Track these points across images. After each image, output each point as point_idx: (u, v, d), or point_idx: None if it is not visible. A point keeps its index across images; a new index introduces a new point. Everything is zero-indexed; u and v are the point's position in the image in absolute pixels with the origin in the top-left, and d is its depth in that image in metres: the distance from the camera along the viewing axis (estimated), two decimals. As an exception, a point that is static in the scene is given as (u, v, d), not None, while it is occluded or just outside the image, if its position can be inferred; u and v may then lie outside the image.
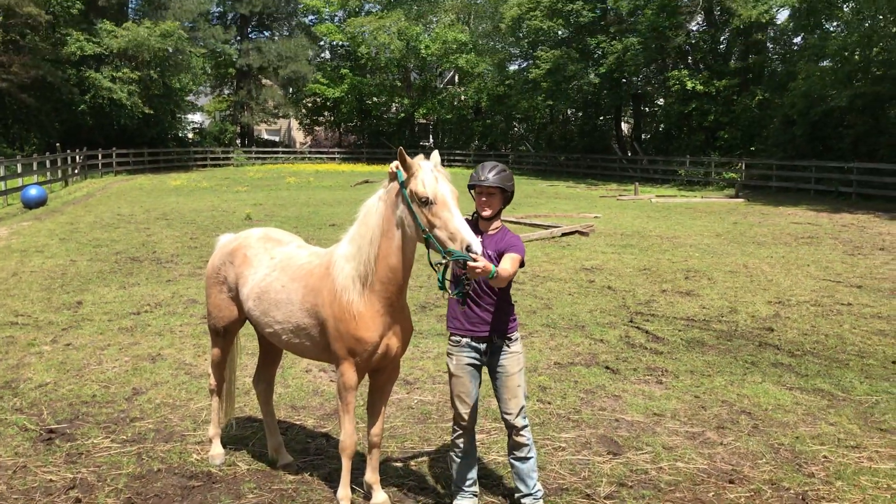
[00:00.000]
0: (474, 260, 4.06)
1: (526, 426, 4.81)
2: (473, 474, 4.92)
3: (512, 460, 4.88)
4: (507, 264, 4.50)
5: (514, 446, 4.84)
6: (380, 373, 4.88)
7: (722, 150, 38.18)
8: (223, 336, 5.61)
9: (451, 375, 4.85)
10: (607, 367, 8.02)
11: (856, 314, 10.43)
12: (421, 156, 4.42)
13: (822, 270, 13.75)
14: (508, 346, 4.77)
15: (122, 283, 12.42)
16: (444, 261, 4.26)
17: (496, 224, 4.77)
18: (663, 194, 32.28)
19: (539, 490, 4.87)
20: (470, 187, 4.75)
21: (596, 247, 16.49)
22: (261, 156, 58.55)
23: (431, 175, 4.26)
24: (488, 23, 56.51)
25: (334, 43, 63.55)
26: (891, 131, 28.08)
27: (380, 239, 4.45)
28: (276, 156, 59.27)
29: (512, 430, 4.80)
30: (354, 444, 4.81)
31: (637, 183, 34.61)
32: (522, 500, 4.86)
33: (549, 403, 6.94)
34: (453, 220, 4.13)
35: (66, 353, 8.42)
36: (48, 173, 31.60)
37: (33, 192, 24.85)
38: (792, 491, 5.23)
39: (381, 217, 4.47)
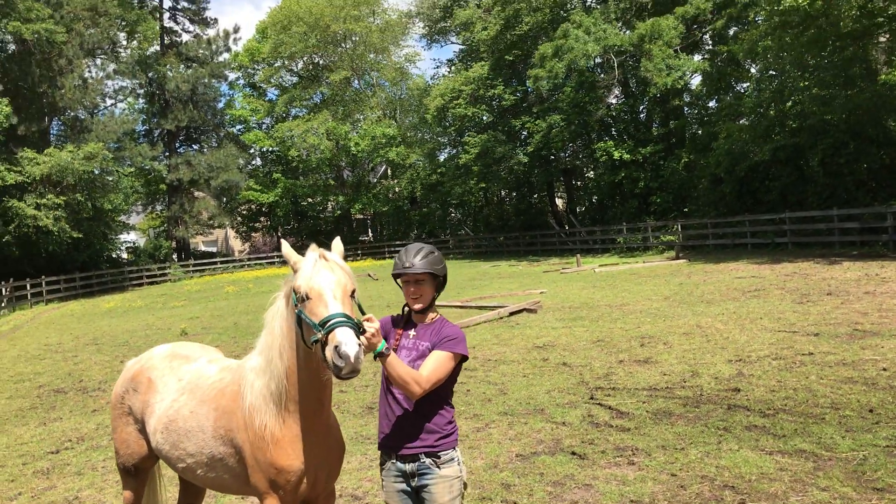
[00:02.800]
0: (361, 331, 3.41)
1: None
2: None
3: None
4: (429, 364, 3.80)
5: None
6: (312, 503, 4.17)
7: (656, 214, 38.67)
8: (135, 476, 4.84)
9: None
10: (573, 453, 7.38)
11: (819, 363, 10.05)
12: (313, 246, 3.76)
13: (775, 322, 13.46)
14: (438, 467, 3.90)
15: (43, 419, 11.39)
16: (318, 337, 3.46)
17: (432, 315, 4.12)
18: (605, 263, 32.26)
19: None
20: (395, 276, 4.06)
21: (546, 323, 16.01)
22: (199, 268, 57.27)
23: (311, 265, 3.61)
24: (414, 115, 57.32)
25: (264, 149, 63.56)
26: (815, 179, 28.73)
27: (289, 350, 3.76)
28: (213, 266, 58.07)
29: None
30: None
31: (578, 255, 34.64)
32: None
33: (515, 503, 6.25)
34: (326, 315, 3.43)
35: (-30, 511, 7.44)
36: (-30, 310, 30.07)
37: (-48, 331, 23.42)
38: (796, 575, 4.63)
39: (285, 322, 3.79)
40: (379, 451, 4.08)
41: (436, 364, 3.81)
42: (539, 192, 52.25)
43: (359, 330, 3.47)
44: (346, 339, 3.29)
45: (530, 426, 8.49)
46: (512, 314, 17.78)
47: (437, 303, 4.07)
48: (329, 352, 3.32)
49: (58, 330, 25.73)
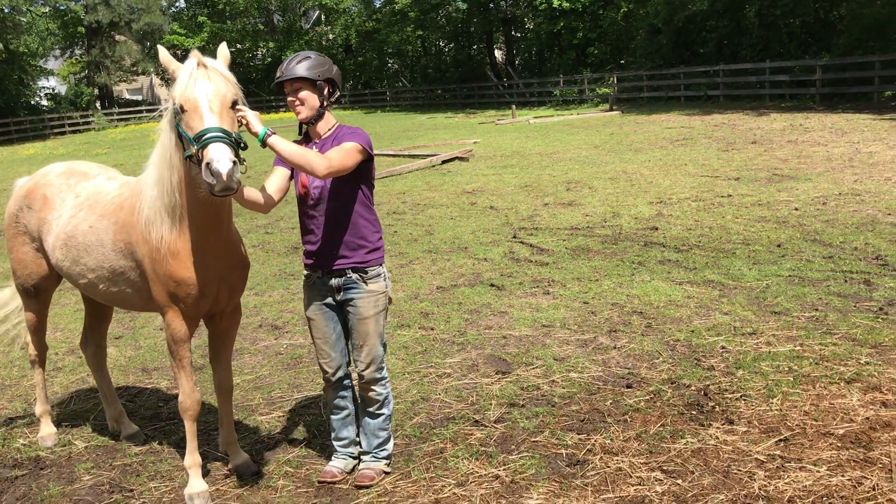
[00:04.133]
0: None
1: (380, 380, 4.00)
2: (349, 433, 4.17)
3: (363, 415, 4.12)
4: (333, 153, 3.65)
5: (364, 401, 4.10)
6: (217, 319, 4.12)
7: (593, 66, 38.20)
8: (36, 296, 4.71)
9: (307, 319, 4.08)
10: (492, 285, 7.53)
11: (736, 204, 10.32)
12: (194, 52, 3.46)
13: (699, 168, 13.70)
14: (365, 283, 3.88)
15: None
16: (193, 151, 3.31)
17: (328, 124, 3.87)
18: (540, 115, 32.07)
19: (384, 451, 4.10)
20: (278, 88, 3.80)
21: (476, 170, 15.99)
22: (123, 117, 54.96)
23: (188, 74, 3.36)
24: (349, -45, 54.46)
25: (188, -11, 59.99)
26: (750, 31, 28.60)
27: (178, 163, 3.56)
28: (139, 115, 55.76)
29: (361, 381, 4.02)
30: (196, 404, 4.02)
31: (514, 107, 34.30)
32: (362, 458, 4.14)
33: (433, 329, 6.39)
34: (201, 129, 3.26)
35: None
36: None
37: None
38: (693, 387, 4.87)
39: (173, 134, 3.56)
40: (305, 269, 4.03)
41: (341, 151, 3.65)
42: (478, 43, 50.93)
43: (238, 145, 3.33)
44: (217, 156, 3.14)
45: (452, 262, 8.60)
46: (444, 162, 17.69)
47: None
48: (202, 168, 3.19)
49: (-27, 176, 24.66)
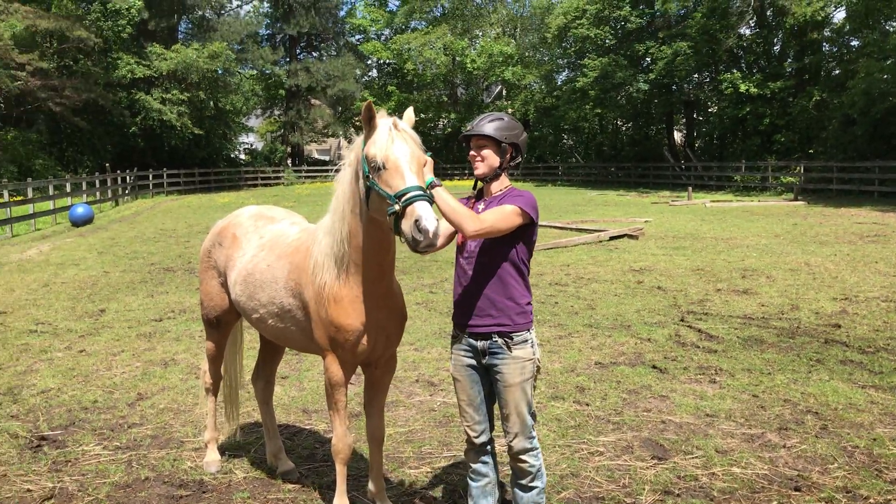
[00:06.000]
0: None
1: (530, 450, 3.85)
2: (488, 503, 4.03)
3: (514, 487, 3.97)
4: (490, 211, 3.68)
5: (515, 472, 3.95)
6: (373, 367, 4.24)
7: (779, 153, 36.70)
8: (217, 328, 5.06)
9: (453, 378, 4.05)
10: (654, 367, 7.26)
11: (934, 309, 9.45)
12: (382, 112, 3.66)
13: (891, 267, 12.69)
14: (510, 349, 3.79)
15: (151, 291, 12.06)
16: (396, 209, 3.42)
17: (500, 185, 3.90)
18: (718, 199, 31.06)
19: None
20: (464, 142, 3.90)
21: (646, 249, 15.64)
22: (311, 174, 58.69)
23: (386, 134, 3.52)
24: (534, 34, 55.92)
25: (381, 61, 63.58)
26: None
27: (350, 214, 3.77)
28: (326, 174, 59.26)
29: (510, 452, 3.89)
30: (348, 448, 4.14)
31: (690, 189, 33.45)
32: None
33: (588, 405, 6.22)
34: (404, 187, 3.39)
35: (77, 360, 8.00)
36: (98, 193, 31.98)
37: (80, 210, 25.00)
38: (871, 500, 4.43)
39: (348, 187, 3.78)
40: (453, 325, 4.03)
41: (498, 213, 3.67)
42: (657, 124, 50.37)
43: (432, 202, 3.45)
44: (425, 214, 3.28)
45: (614, 339, 8.38)
46: (612, 238, 17.46)
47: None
48: (407, 225, 3.32)
49: (174, 218, 27.03)
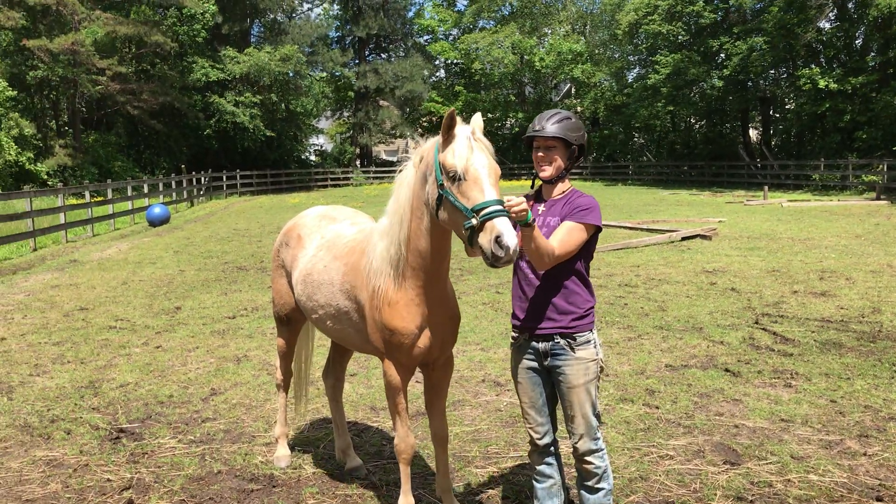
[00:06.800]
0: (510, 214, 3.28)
1: (595, 451, 3.80)
2: None
3: (580, 489, 3.93)
4: (558, 235, 3.60)
5: (580, 474, 3.91)
6: (430, 368, 4.22)
7: (860, 151, 35.38)
8: (287, 325, 5.16)
9: (514, 381, 4.01)
10: (727, 370, 7.08)
11: None
12: (459, 119, 3.54)
13: (983, 269, 12.11)
14: (573, 349, 3.75)
15: (225, 289, 12.36)
16: (473, 223, 3.33)
17: (563, 187, 3.83)
18: (795, 199, 30.15)
19: None
20: (526, 142, 3.82)
21: (719, 250, 15.28)
22: (379, 175, 59.22)
23: (466, 143, 3.43)
24: (604, 32, 55.24)
25: (448, 61, 63.76)
26: None
27: (410, 218, 3.73)
28: (393, 174, 59.02)
29: (576, 454, 3.85)
30: (410, 448, 4.15)
31: (766, 188, 32.56)
32: None
33: (657, 408, 6.11)
34: (483, 201, 3.30)
35: (154, 355, 8.26)
36: (174, 194, 32.99)
37: (157, 210, 25.81)
38: (958, 512, 4.23)
39: (411, 191, 3.73)
40: (513, 330, 3.99)
41: (565, 235, 3.60)
42: (731, 121, 49.12)
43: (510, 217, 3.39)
44: (507, 230, 3.22)
45: (685, 341, 8.21)
46: (684, 239, 17.12)
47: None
48: (486, 240, 3.25)
49: (246, 218, 27.66)
